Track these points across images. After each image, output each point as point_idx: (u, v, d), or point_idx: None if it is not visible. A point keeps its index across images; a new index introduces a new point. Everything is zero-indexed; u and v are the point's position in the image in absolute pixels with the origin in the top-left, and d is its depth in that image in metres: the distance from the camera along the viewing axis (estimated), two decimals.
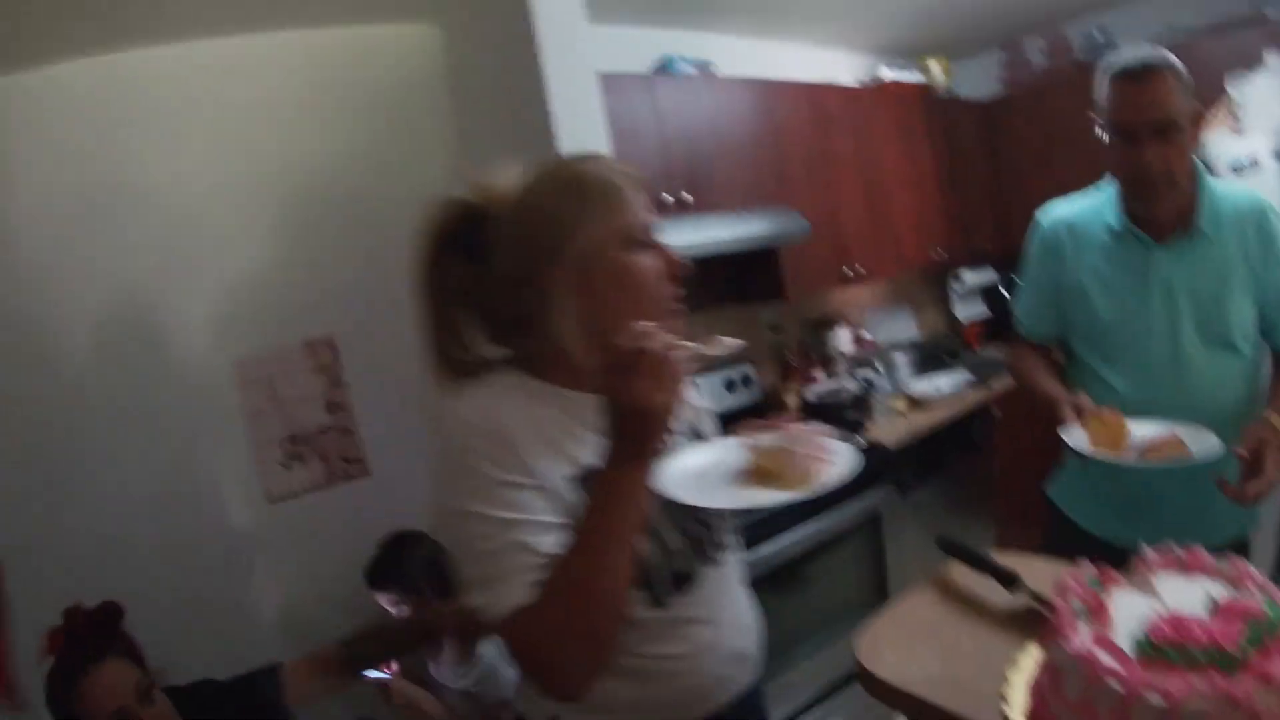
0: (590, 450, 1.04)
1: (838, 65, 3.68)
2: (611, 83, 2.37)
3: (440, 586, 2.15)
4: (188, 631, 2.14)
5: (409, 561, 2.17)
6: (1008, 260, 3.35)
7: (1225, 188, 1.65)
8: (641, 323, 0.93)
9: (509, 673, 2.12)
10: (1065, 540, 1.76)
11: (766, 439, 1.12)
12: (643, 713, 1.13)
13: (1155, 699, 0.77)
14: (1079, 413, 1.53)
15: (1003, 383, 3.35)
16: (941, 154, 3.71)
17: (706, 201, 2.75)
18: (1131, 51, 1.57)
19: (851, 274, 3.28)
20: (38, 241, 2.23)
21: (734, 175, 2.86)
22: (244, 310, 2.48)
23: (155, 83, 2.35)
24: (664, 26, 3.09)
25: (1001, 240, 3.86)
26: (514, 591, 0.96)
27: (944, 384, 3.39)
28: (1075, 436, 1.51)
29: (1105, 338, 1.71)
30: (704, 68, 2.98)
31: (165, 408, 2.36)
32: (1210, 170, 1.82)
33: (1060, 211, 1.79)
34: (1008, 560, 1.29)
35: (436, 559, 2.18)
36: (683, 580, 1.12)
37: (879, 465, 2.80)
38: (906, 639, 1.17)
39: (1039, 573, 1.23)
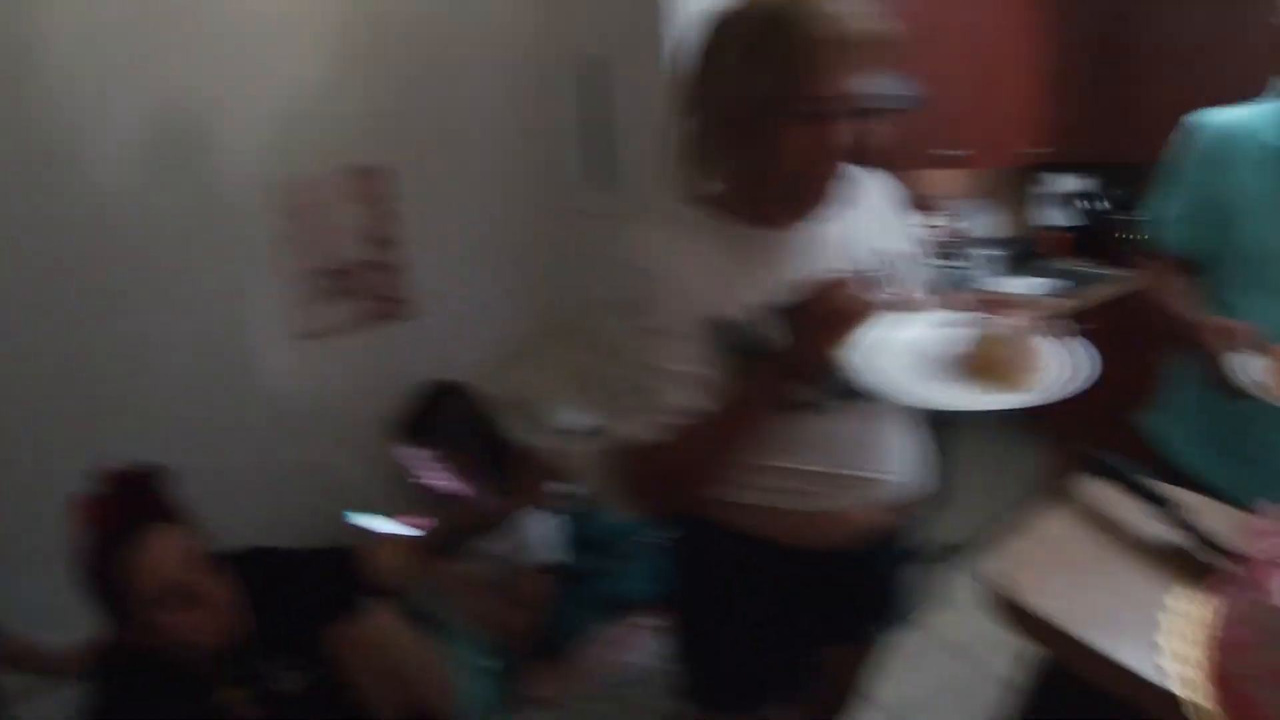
0: (764, 290, 1.07)
1: None
2: None
3: (484, 445, 1.99)
4: (215, 486, 1.74)
5: (451, 416, 2.02)
6: (1114, 171, 3.13)
7: None
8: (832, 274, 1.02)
9: (547, 538, 2.04)
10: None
11: (992, 326, 1.05)
12: (779, 532, 1.19)
13: None
14: (1252, 345, 1.32)
15: (1100, 294, 3.10)
16: (1058, 47, 3.36)
17: None
18: None
19: (948, 159, 3.01)
20: (70, 45, 1.95)
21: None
22: (296, 128, 2.23)
23: None
24: None
25: (1111, 147, 3.53)
26: (638, 427, 1.08)
27: (1031, 286, 3.15)
28: (1250, 370, 1.32)
29: (1252, 267, 1.51)
30: None
31: (200, 231, 2.14)
32: None
33: (1218, 120, 1.56)
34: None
35: (481, 415, 2.03)
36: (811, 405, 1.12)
37: None
38: (1050, 566, 1.02)
39: (1198, 509, 1.06)
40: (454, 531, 2.07)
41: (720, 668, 1.34)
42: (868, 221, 1.22)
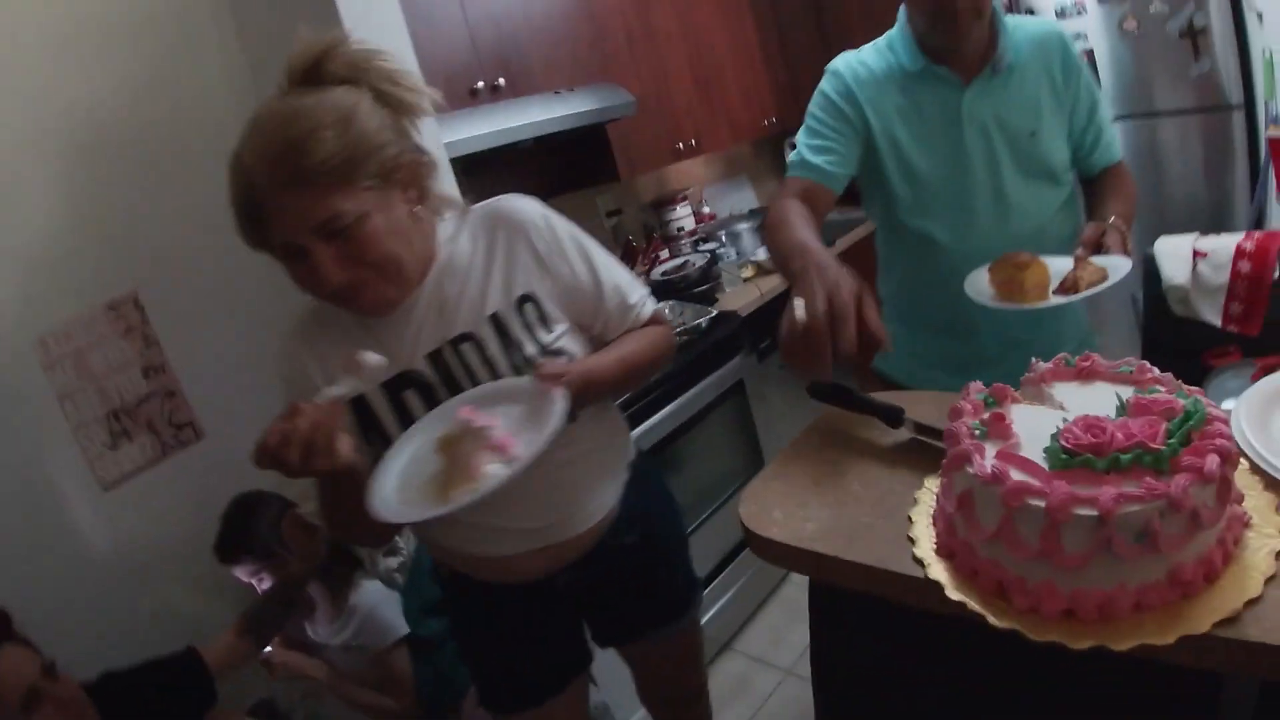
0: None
1: None
2: None
3: (294, 541, 1.99)
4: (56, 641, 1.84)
5: (257, 525, 1.99)
6: None
7: (1018, 20, 1.61)
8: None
9: (390, 615, 2.03)
10: None
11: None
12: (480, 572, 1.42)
13: (1086, 511, 0.70)
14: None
15: (846, 240, 3.40)
16: (766, 23, 3.64)
17: (524, 86, 2.60)
18: None
19: (684, 149, 3.20)
20: None
21: (550, 56, 2.69)
22: (37, 278, 2.14)
23: None
24: None
25: None
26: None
27: None
28: (977, 286, 1.43)
29: (921, 188, 1.61)
30: None
31: None
32: (1025, 11, 1.82)
33: (852, 58, 1.65)
34: (885, 397, 1.22)
35: (284, 513, 2.02)
36: None
37: (734, 333, 2.79)
38: (793, 495, 1.09)
39: (922, 406, 1.17)
40: (270, 607, 2.04)
41: (488, 677, 1.59)
42: (495, 278, 1.29)
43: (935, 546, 0.90)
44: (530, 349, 1.28)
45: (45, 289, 2.15)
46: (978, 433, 0.87)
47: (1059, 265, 1.37)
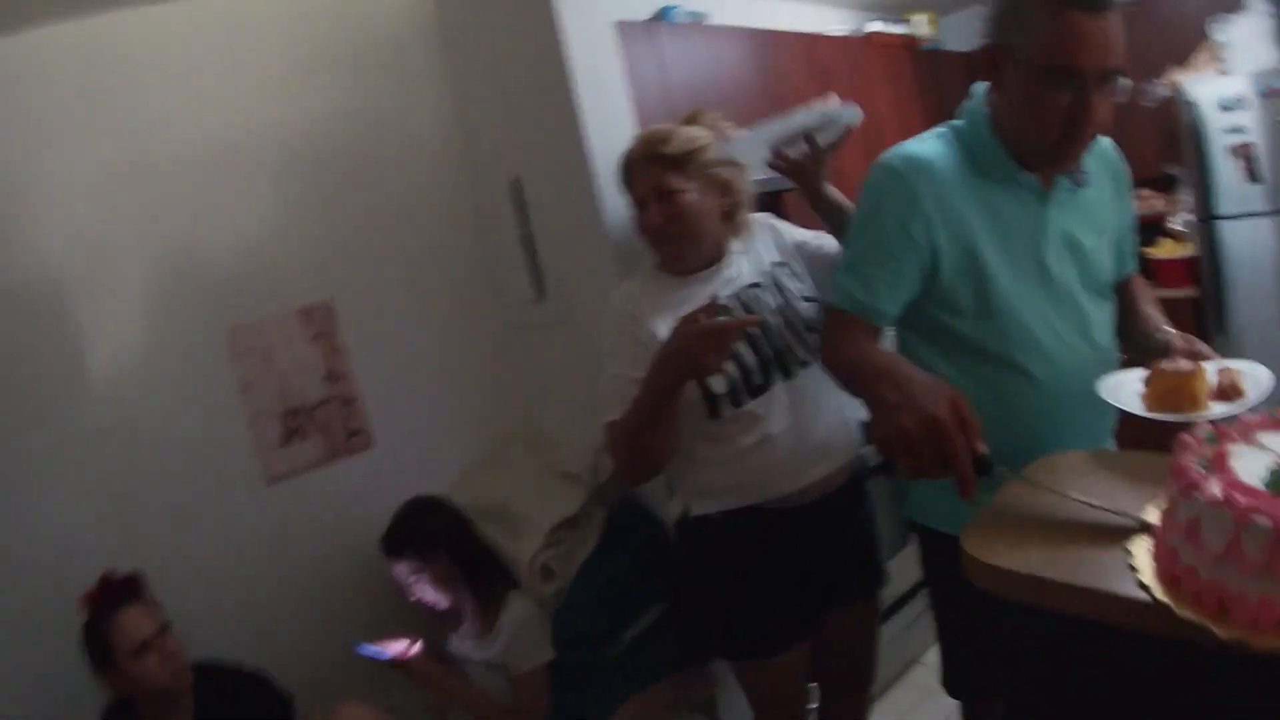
0: (679, 315, 1.50)
1: (827, 20, 3.62)
2: (620, 30, 2.30)
3: (460, 551, 2.05)
4: (203, 624, 2.05)
5: (427, 526, 2.07)
6: None
7: None
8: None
9: (538, 638, 2.03)
10: (942, 558, 1.45)
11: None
12: (729, 491, 1.64)
13: None
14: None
15: None
16: (931, 104, 3.67)
17: None
18: None
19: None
20: (25, 208, 2.08)
21: (736, 126, 2.78)
22: (241, 274, 2.35)
23: (139, 45, 2.21)
24: None
25: None
26: (608, 413, 1.58)
27: None
28: (1124, 398, 1.28)
29: (1000, 307, 1.36)
30: (699, 19, 2.91)
31: (159, 382, 2.22)
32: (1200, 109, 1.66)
33: (915, 157, 1.37)
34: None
35: (457, 522, 2.09)
36: (758, 389, 1.60)
37: None
38: (1013, 529, 1.10)
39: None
40: (442, 643, 2.15)
41: (724, 627, 1.73)
42: (757, 251, 1.74)
43: (1157, 575, 0.92)
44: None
45: (246, 285, 2.36)
46: (1202, 467, 0.90)
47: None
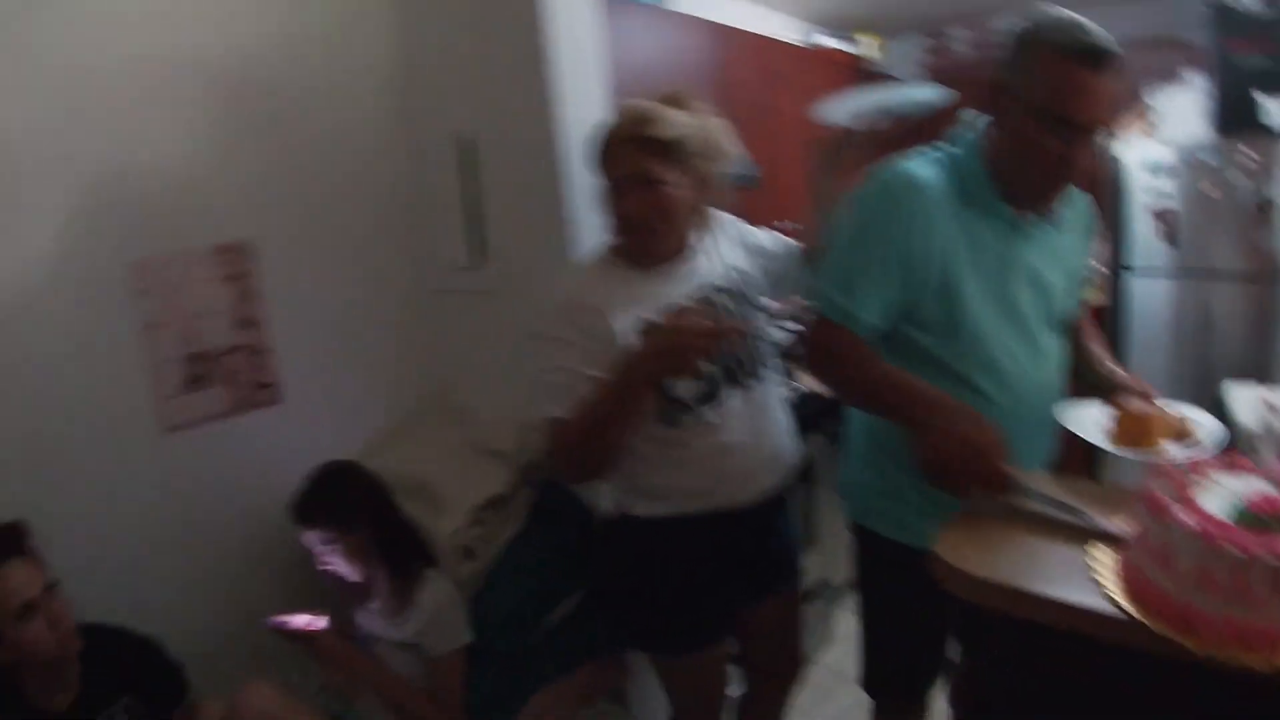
0: (640, 310, 1.52)
1: (777, 26, 3.65)
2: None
3: (378, 524, 1.94)
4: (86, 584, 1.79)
5: (345, 494, 1.94)
6: None
7: None
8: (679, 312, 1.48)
9: (456, 620, 1.95)
10: (880, 561, 1.63)
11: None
12: (682, 497, 1.61)
13: (1271, 560, 0.89)
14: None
15: None
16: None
17: None
18: (1088, 30, 1.28)
19: (785, 230, 3.25)
20: None
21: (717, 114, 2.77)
22: (150, 205, 2.12)
23: None
24: None
25: None
26: (554, 409, 1.49)
27: None
28: (1089, 431, 1.41)
29: (964, 328, 1.42)
30: (661, 3, 2.87)
31: (50, 310, 1.98)
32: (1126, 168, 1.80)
33: (909, 170, 1.43)
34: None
35: (377, 492, 1.99)
36: (709, 397, 1.57)
37: (813, 413, 2.77)
38: (979, 541, 1.19)
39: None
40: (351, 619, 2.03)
41: (649, 624, 1.72)
42: (721, 251, 1.68)
43: (1125, 591, 1.03)
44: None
45: (158, 215, 2.13)
46: (1170, 496, 1.02)
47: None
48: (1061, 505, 1.20)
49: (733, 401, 1.60)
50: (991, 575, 1.10)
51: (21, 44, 1.92)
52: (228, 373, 2.26)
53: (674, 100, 1.59)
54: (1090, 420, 1.45)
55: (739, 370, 1.61)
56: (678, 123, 1.53)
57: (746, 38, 3.08)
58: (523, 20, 2.03)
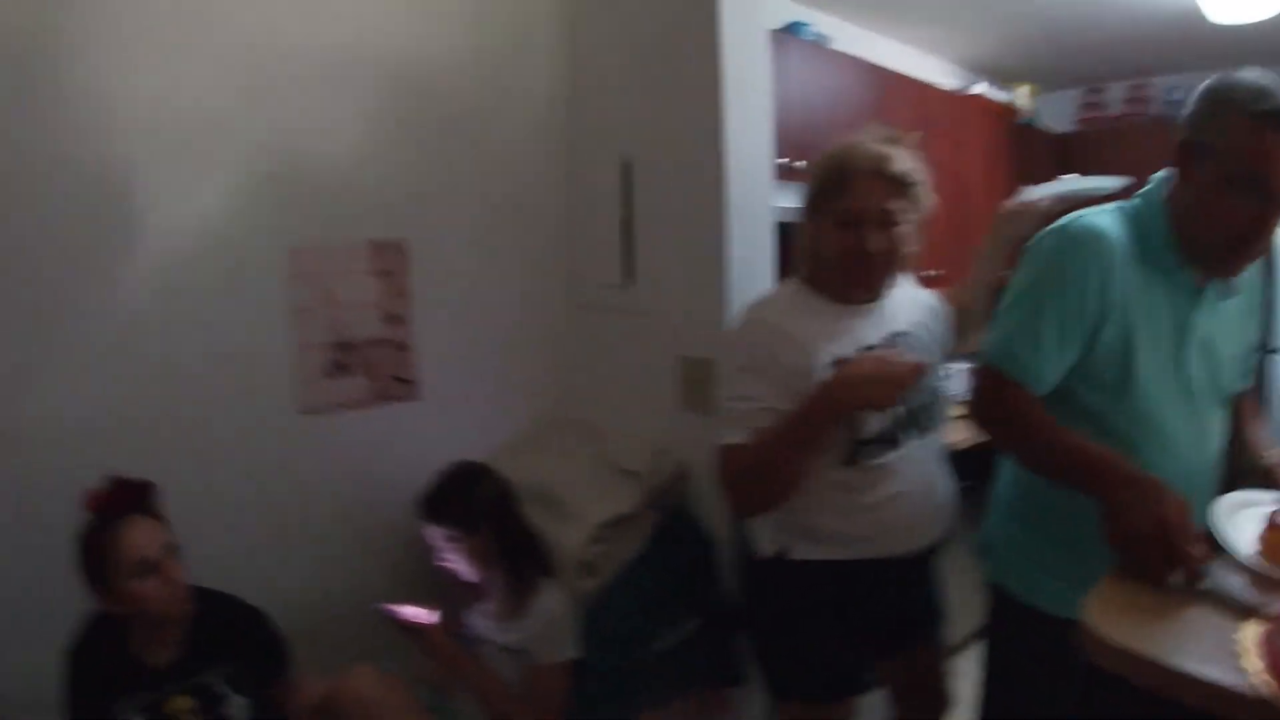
0: (838, 347, 1.52)
1: (934, 70, 3.60)
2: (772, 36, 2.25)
3: (503, 528, 1.95)
4: (208, 550, 1.85)
5: (474, 494, 1.95)
6: None
7: None
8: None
9: (567, 632, 1.93)
10: (1017, 621, 1.52)
11: None
12: (844, 542, 1.57)
13: None
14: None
15: None
16: (1016, 176, 3.67)
17: None
18: None
19: (926, 280, 3.19)
20: (110, 89, 1.93)
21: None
22: (313, 197, 2.22)
23: None
24: None
25: None
26: (734, 435, 1.48)
27: None
28: (1237, 534, 1.24)
29: (1133, 394, 1.36)
30: (824, 41, 2.86)
31: (209, 286, 2.08)
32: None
33: (1092, 221, 1.37)
34: None
35: (505, 496, 2.00)
36: (891, 442, 1.53)
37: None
38: (1131, 612, 1.13)
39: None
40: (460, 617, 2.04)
41: (792, 668, 1.67)
42: (904, 300, 1.66)
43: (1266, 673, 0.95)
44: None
45: (319, 207, 2.23)
46: None
47: None
48: (1245, 595, 1.13)
49: (910, 449, 1.57)
50: (1143, 649, 1.03)
51: (203, 22, 2.03)
52: (369, 364, 2.33)
53: (894, 141, 1.58)
54: (1244, 526, 1.29)
55: (922, 416, 1.58)
56: (912, 164, 1.54)
57: (903, 81, 3.04)
58: (697, 49, 2.04)
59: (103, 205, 1.94)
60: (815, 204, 1.57)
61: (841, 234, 1.52)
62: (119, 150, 1.95)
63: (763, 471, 1.47)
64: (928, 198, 1.57)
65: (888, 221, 1.51)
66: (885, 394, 1.42)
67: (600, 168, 2.41)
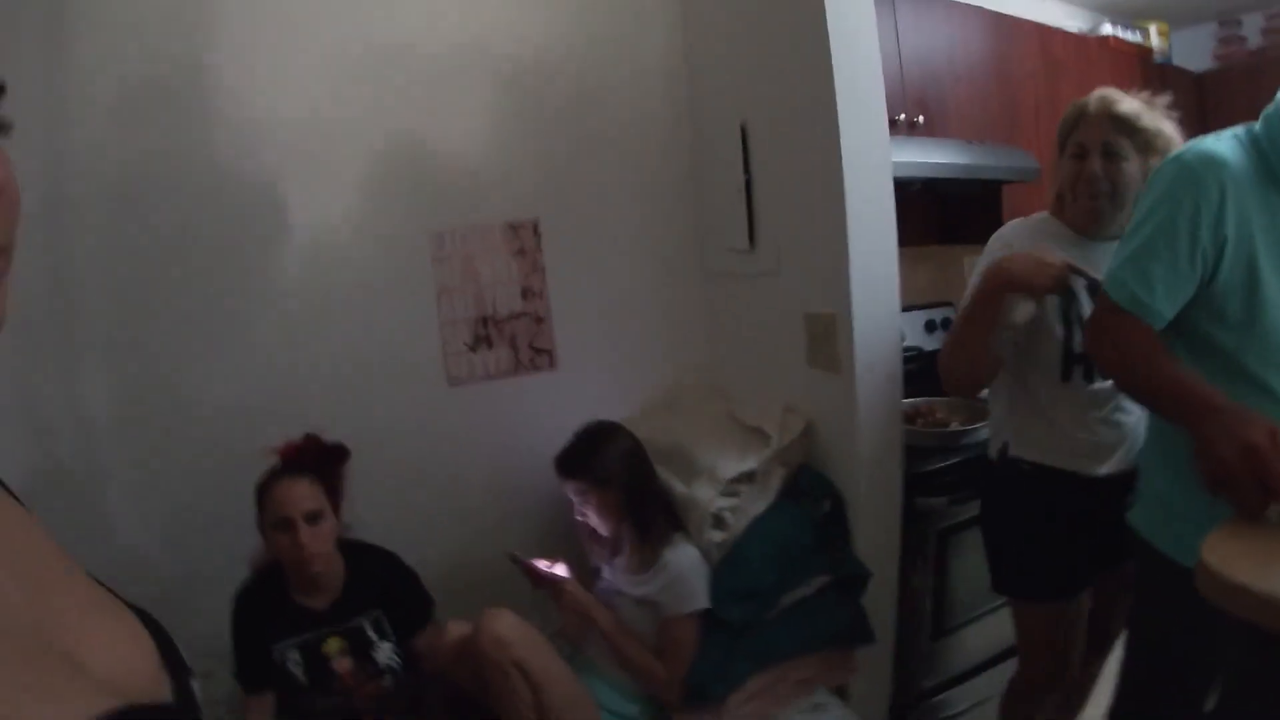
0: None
1: (1059, 15, 3.47)
2: None
3: (634, 483, 2.06)
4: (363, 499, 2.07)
5: (607, 450, 2.08)
6: None
7: None
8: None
9: (698, 584, 2.02)
10: (1156, 574, 1.47)
11: None
12: (1050, 450, 1.76)
13: None
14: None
15: None
16: None
17: (938, 128, 2.62)
18: None
19: None
20: (262, 78, 2.19)
21: (965, 107, 2.71)
22: (453, 180, 2.41)
23: None
24: None
25: None
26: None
27: None
28: None
29: (1264, 325, 1.30)
30: None
31: (363, 267, 2.32)
32: None
33: (1209, 147, 1.31)
34: None
35: (636, 453, 2.10)
36: (1091, 372, 1.70)
37: None
38: (1252, 555, 1.07)
39: None
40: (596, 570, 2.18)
41: (1017, 568, 1.86)
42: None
43: None
44: None
45: (458, 191, 2.42)
46: None
47: None
48: None
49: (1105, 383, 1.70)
50: (1260, 587, 0.98)
51: (334, 40, 2.24)
52: (510, 337, 2.49)
53: (1144, 99, 1.75)
54: None
55: None
56: (1143, 112, 1.69)
57: (1027, 27, 2.96)
58: (806, 16, 2.06)
59: (262, 213, 2.21)
60: (1060, 142, 1.78)
61: (1073, 164, 1.73)
62: (271, 164, 2.20)
63: (952, 347, 1.78)
64: (1164, 145, 1.65)
65: (1111, 154, 1.67)
66: (1039, 276, 1.62)
67: (721, 136, 2.47)
